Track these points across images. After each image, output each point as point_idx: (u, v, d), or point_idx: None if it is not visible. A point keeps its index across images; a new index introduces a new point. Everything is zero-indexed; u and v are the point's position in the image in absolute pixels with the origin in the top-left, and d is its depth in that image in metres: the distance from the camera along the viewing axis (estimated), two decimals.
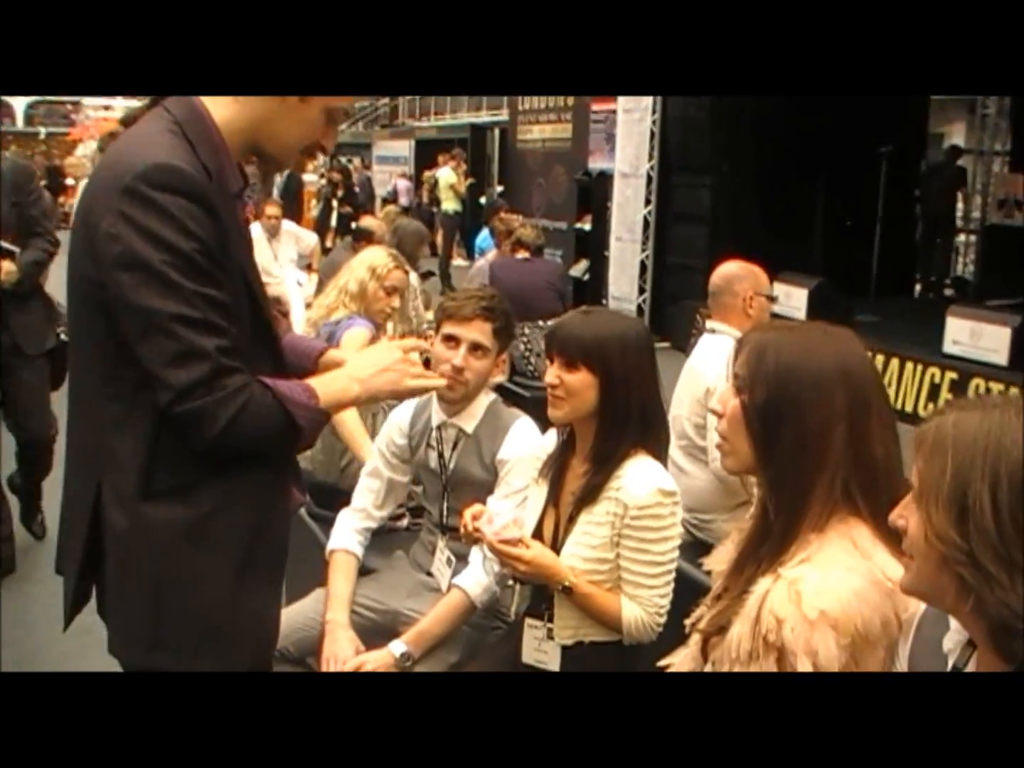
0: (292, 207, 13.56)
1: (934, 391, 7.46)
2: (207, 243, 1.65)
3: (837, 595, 1.53)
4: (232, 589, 1.79)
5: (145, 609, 1.77)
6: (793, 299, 9.00)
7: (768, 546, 1.71)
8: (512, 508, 2.47)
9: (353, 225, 9.54)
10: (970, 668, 1.38)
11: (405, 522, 3.60)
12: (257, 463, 1.81)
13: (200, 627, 1.78)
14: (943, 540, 1.29)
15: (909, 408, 7.60)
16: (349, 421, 3.72)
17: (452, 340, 2.75)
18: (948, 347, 7.65)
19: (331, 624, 2.69)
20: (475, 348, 2.73)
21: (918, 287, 12.67)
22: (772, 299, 3.85)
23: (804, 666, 1.53)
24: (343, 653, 2.60)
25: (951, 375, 7.42)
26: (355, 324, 4.00)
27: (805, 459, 1.66)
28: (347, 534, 2.92)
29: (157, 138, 1.70)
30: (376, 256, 4.27)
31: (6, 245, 4.53)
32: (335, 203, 16.85)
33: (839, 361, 1.69)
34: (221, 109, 1.77)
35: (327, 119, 1.87)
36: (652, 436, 2.40)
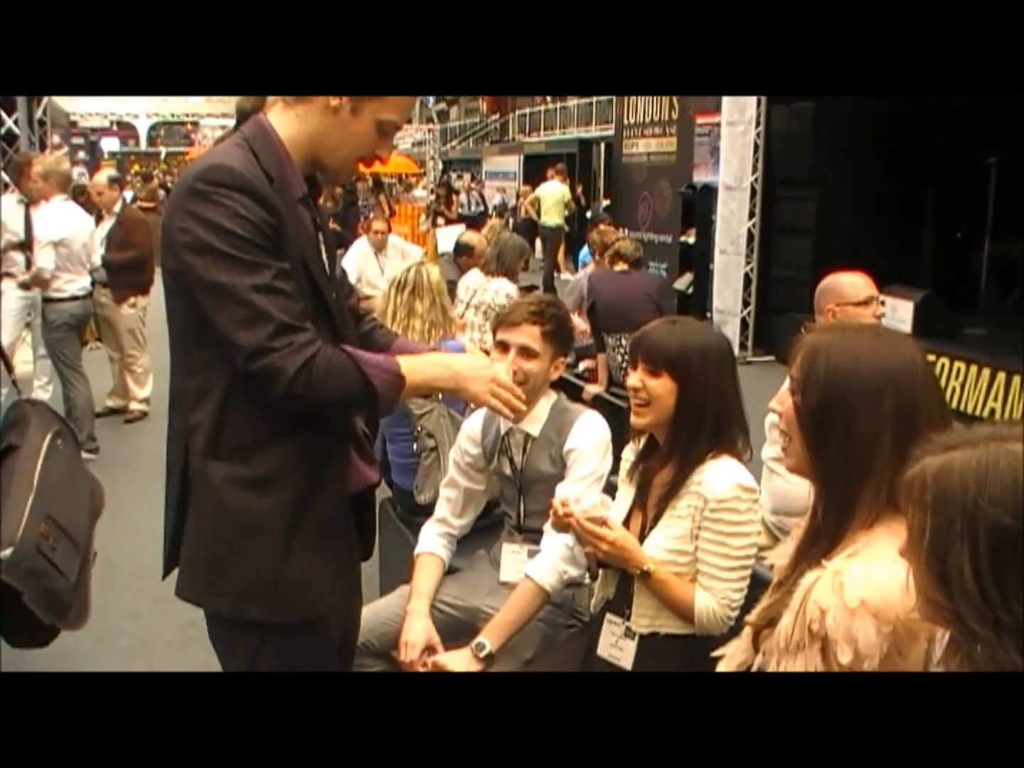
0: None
1: None
2: (259, 225, 1.86)
3: (879, 585, 1.56)
4: (279, 548, 1.96)
5: (204, 554, 1.99)
6: (899, 312, 8.85)
7: (819, 546, 1.76)
8: (596, 491, 2.59)
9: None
10: None
11: None
12: (315, 436, 1.99)
13: (248, 578, 1.97)
14: (928, 599, 1.32)
15: None
16: None
17: (503, 346, 2.87)
18: None
19: (409, 613, 2.84)
20: (524, 352, 2.84)
21: None
22: (866, 303, 3.67)
23: (845, 655, 1.56)
24: (414, 638, 2.74)
25: None
26: (456, 344, 4.17)
27: (853, 463, 1.71)
28: (431, 539, 3.08)
29: (223, 149, 1.96)
30: (438, 275, 4.39)
31: None
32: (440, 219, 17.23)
33: (888, 366, 1.72)
34: (285, 127, 1.99)
35: (379, 132, 2.03)
36: (728, 441, 2.46)
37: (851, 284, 3.76)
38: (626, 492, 2.63)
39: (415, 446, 3.86)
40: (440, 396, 3.80)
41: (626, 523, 2.54)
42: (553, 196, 16.80)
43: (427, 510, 3.21)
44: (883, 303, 3.79)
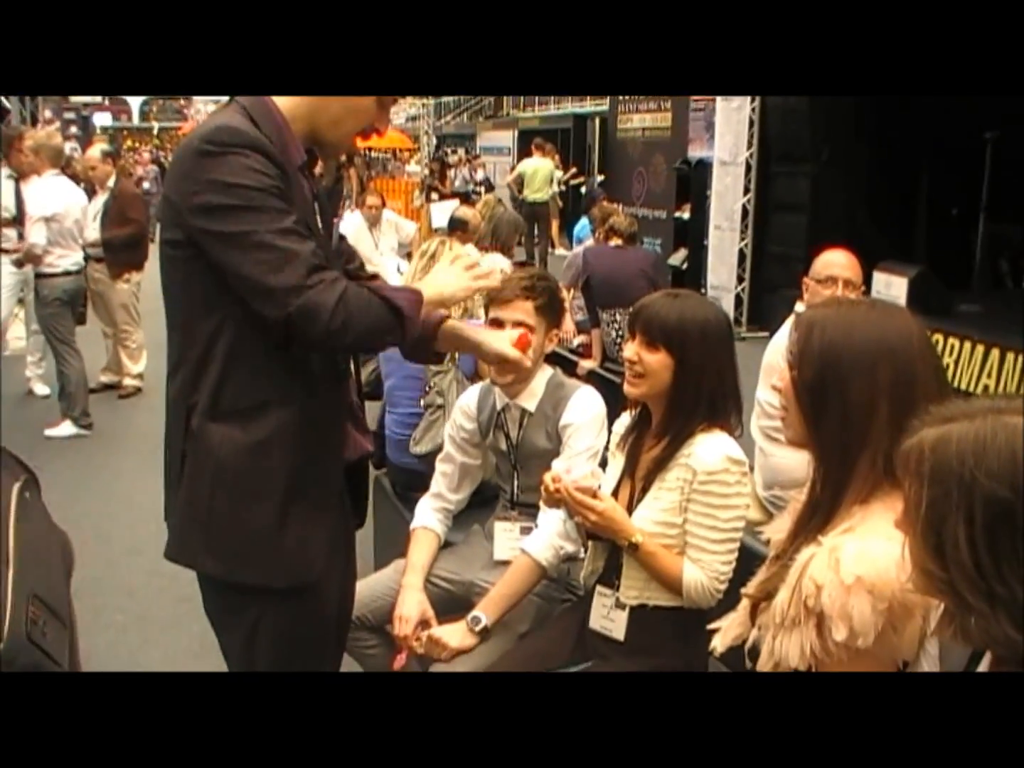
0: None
1: None
2: (273, 179, 1.86)
3: (875, 562, 1.57)
4: (277, 513, 1.97)
5: (199, 515, 1.98)
6: (893, 288, 8.82)
7: (817, 519, 1.76)
8: (590, 465, 2.60)
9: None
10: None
11: None
12: (313, 403, 2.00)
13: (244, 541, 1.98)
14: (922, 570, 1.32)
15: None
16: None
17: (497, 323, 2.86)
18: None
19: (404, 587, 2.84)
20: (519, 328, 2.80)
21: None
22: (824, 282, 3.60)
23: (840, 631, 1.57)
24: (408, 612, 2.74)
25: None
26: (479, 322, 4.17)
27: (849, 434, 1.71)
28: (427, 514, 3.08)
29: (221, 114, 1.95)
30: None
31: None
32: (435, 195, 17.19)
33: (883, 337, 1.72)
34: (286, 99, 1.97)
35: (379, 106, 2.03)
36: (722, 417, 2.45)
37: (823, 262, 3.73)
38: (616, 463, 2.62)
39: (422, 402, 3.84)
40: (457, 361, 3.80)
41: (615, 494, 2.54)
42: (543, 171, 16.72)
43: (423, 485, 3.21)
44: (853, 285, 3.56)
